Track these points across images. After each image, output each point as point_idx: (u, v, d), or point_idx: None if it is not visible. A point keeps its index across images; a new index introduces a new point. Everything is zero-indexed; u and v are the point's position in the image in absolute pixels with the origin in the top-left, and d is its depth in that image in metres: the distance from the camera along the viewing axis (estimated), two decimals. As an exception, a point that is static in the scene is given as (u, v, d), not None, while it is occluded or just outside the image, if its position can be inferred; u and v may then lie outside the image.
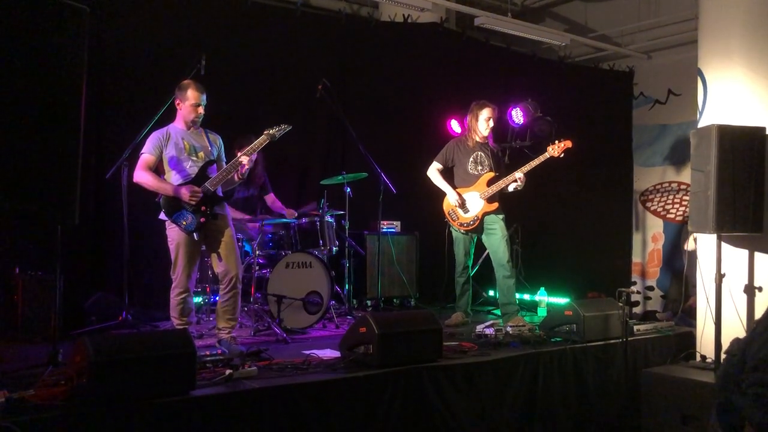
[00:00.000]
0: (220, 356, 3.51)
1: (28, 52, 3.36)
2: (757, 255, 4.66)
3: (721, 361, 4.36)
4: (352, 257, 6.11)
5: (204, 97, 4.37)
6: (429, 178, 5.58)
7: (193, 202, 4.20)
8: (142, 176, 4.27)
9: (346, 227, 5.88)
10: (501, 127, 6.29)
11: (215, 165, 4.42)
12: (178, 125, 4.42)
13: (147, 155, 4.29)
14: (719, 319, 4.49)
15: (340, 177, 5.74)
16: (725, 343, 4.28)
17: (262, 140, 4.33)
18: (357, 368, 3.62)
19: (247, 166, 4.30)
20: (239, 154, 4.34)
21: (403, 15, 7.29)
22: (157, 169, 4.35)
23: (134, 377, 2.89)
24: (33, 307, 4.55)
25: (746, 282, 4.66)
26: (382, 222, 6.08)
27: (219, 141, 4.56)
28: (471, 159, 5.47)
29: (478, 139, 5.49)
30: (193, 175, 4.32)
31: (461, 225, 5.45)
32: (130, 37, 5.61)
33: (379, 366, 3.59)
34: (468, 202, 5.42)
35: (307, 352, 4.01)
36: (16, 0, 3.33)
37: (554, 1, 9.20)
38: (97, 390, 2.79)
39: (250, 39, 6.30)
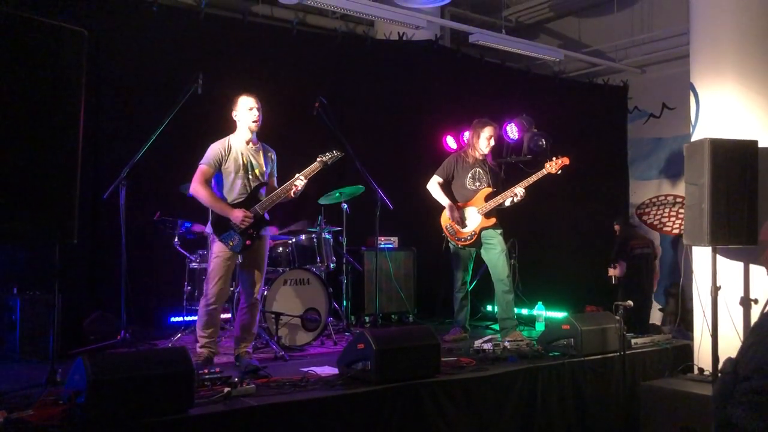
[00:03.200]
0: (218, 374, 3.51)
1: (27, 75, 3.39)
2: (752, 267, 4.68)
3: (719, 376, 4.38)
4: (349, 273, 6.12)
5: (256, 103, 4.37)
6: (428, 192, 5.60)
7: (244, 227, 4.23)
8: (198, 190, 4.25)
9: (344, 243, 5.89)
10: (496, 143, 6.33)
11: (266, 187, 4.46)
12: (239, 137, 4.41)
13: (205, 167, 4.28)
14: (716, 332, 4.50)
15: (337, 194, 5.76)
16: (722, 356, 4.32)
17: (315, 167, 4.44)
18: (355, 385, 3.62)
19: (300, 189, 4.36)
20: (297, 176, 4.37)
21: (398, 33, 7.37)
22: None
23: (133, 396, 2.90)
24: (31, 327, 4.55)
25: (742, 294, 4.68)
26: (379, 238, 6.09)
27: (273, 156, 4.58)
28: (470, 174, 5.51)
29: (477, 156, 5.53)
30: (245, 196, 4.33)
31: (459, 240, 5.47)
32: (128, 58, 5.67)
33: (377, 382, 3.60)
34: (466, 217, 5.45)
35: (306, 369, 4.02)
36: (16, 23, 3.37)
37: (548, 18, 9.31)
38: (95, 409, 2.79)
39: (247, 57, 6.36)
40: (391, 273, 6.59)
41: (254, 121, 4.37)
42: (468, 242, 5.44)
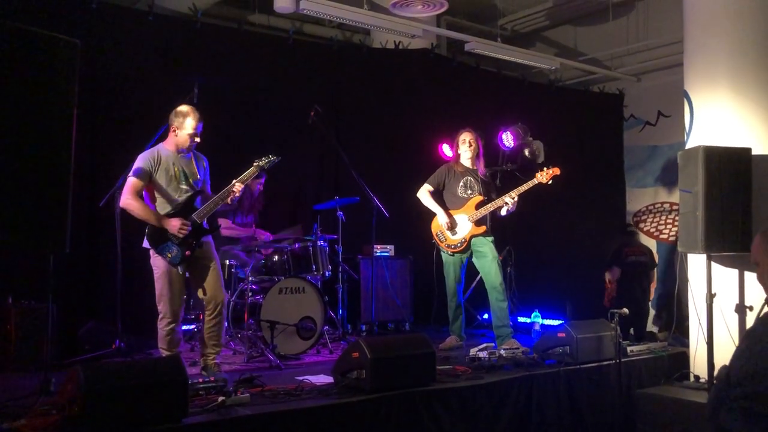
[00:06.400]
0: (212, 383, 3.50)
1: (19, 84, 3.38)
2: (747, 274, 4.69)
3: (714, 384, 4.38)
4: (345, 282, 6.12)
5: (200, 126, 4.33)
6: (419, 200, 5.62)
7: (182, 236, 4.14)
8: (129, 203, 4.16)
9: (340, 252, 5.89)
10: (492, 151, 6.35)
11: (201, 196, 4.37)
12: (169, 148, 4.32)
13: (135, 179, 4.18)
14: (711, 339, 4.50)
15: (333, 202, 5.77)
16: (718, 363, 4.32)
17: (251, 172, 4.36)
18: (350, 393, 3.62)
19: (237, 196, 4.28)
20: (233, 182, 4.28)
21: (395, 42, 7.39)
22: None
23: (127, 405, 2.89)
24: (26, 337, 4.54)
25: (737, 301, 4.68)
26: (375, 246, 6.10)
27: (205, 163, 4.50)
28: (461, 183, 5.52)
29: (467, 164, 5.55)
30: (180, 206, 4.25)
31: (449, 246, 5.48)
32: (124, 67, 5.66)
33: (371, 391, 3.59)
34: (456, 224, 5.46)
35: (301, 378, 4.02)
36: (9, 33, 3.37)
37: (544, 26, 9.33)
38: (89, 419, 2.79)
39: (244, 66, 6.37)
40: (387, 281, 6.57)
41: (193, 146, 4.33)
42: (458, 249, 5.45)
